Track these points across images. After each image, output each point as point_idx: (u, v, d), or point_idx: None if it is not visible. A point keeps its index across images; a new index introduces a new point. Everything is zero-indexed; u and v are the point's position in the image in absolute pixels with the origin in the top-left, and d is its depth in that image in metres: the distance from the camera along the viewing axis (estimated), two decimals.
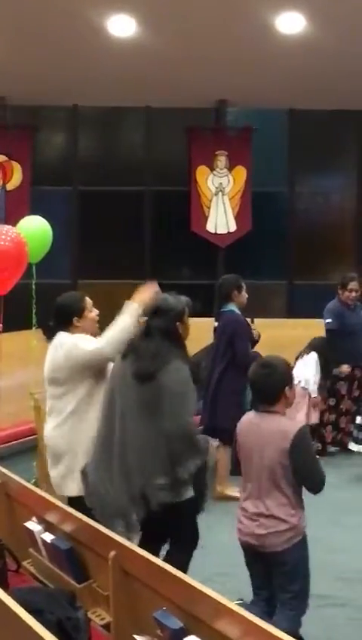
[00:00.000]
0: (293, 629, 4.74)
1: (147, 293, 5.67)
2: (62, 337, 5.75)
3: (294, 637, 4.41)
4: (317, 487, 4.77)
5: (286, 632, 4.37)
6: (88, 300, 5.95)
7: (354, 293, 10.47)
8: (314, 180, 15.91)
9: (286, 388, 4.83)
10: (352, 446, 9.57)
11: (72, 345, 5.66)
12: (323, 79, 13.56)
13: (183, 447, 4.89)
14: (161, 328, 5.17)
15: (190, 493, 4.95)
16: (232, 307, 8.57)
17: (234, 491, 8.08)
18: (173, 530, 5.13)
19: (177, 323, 5.15)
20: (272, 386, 4.82)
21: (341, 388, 10.41)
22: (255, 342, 8.81)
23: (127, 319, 5.58)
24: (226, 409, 8.10)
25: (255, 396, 4.98)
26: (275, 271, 15.33)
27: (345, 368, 10.26)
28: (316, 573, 5.03)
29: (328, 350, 10.06)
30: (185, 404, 4.96)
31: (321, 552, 5.25)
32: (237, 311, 8.59)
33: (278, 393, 4.81)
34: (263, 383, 4.85)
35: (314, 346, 10.09)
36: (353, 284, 10.52)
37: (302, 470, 4.71)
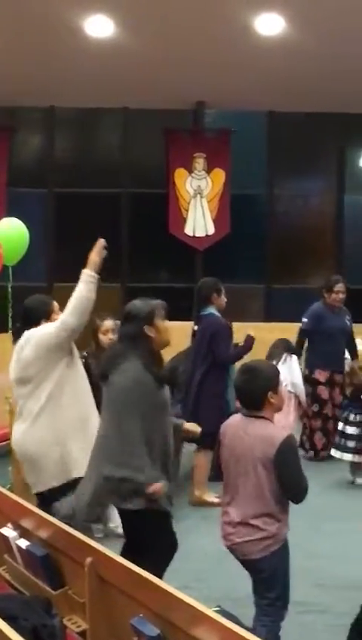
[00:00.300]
0: (271, 637, 4.76)
1: (95, 253, 5.82)
2: (27, 334, 5.83)
3: None
4: (299, 496, 4.74)
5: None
6: (55, 304, 6.04)
7: (340, 295, 10.50)
8: (293, 183, 15.96)
9: (270, 393, 4.79)
10: (334, 452, 9.59)
11: (38, 333, 5.78)
12: (303, 81, 13.60)
13: (116, 448, 4.88)
14: (128, 333, 5.19)
15: (141, 503, 4.94)
16: (212, 310, 8.57)
17: (211, 497, 8.08)
18: (137, 540, 5.15)
19: (145, 326, 5.12)
20: (255, 391, 4.78)
21: (321, 392, 10.42)
22: (249, 345, 8.79)
23: (82, 286, 5.71)
24: (208, 413, 8.08)
25: (240, 401, 4.96)
26: (253, 274, 15.36)
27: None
28: (295, 579, 5.03)
29: (294, 350, 10.10)
30: (128, 405, 4.91)
31: (300, 558, 5.25)
32: (217, 314, 8.60)
33: (262, 398, 4.77)
34: (246, 387, 4.82)
35: (289, 348, 10.11)
36: (339, 287, 10.54)
37: (287, 478, 4.69)
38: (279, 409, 4.91)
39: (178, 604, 3.06)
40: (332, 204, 15.85)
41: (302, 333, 10.48)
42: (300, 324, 10.50)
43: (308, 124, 15.59)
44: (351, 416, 9.41)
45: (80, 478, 5.40)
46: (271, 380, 4.85)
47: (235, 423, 4.91)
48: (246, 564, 4.79)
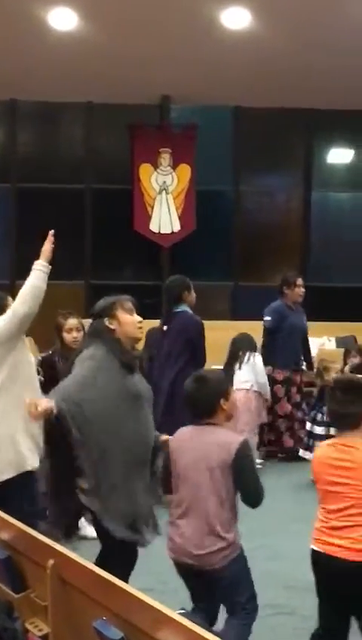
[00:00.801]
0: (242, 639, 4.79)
1: (46, 243, 6.19)
2: None
3: None
4: (258, 500, 4.79)
5: None
6: (10, 299, 6.09)
7: (302, 289, 10.59)
8: (259, 179, 15.98)
9: (222, 400, 4.85)
10: (303, 453, 9.65)
11: None
12: (270, 76, 13.62)
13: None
14: (92, 329, 5.27)
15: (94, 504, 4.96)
16: (185, 307, 8.57)
17: None
18: (105, 543, 5.16)
19: (106, 319, 5.13)
20: (206, 400, 4.84)
21: (277, 391, 10.46)
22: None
23: (33, 275, 5.99)
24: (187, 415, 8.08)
25: (191, 410, 4.99)
26: (220, 272, 15.38)
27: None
28: (262, 582, 5.05)
29: (256, 348, 10.14)
30: (75, 384, 4.91)
31: (267, 561, 5.27)
32: (190, 311, 8.60)
33: (213, 406, 4.83)
34: (197, 396, 4.87)
35: (252, 346, 10.13)
36: (300, 281, 10.64)
37: (245, 483, 4.73)
38: (230, 417, 4.97)
39: (141, 606, 3.04)
40: (300, 201, 15.89)
41: (268, 332, 10.50)
42: (263, 323, 10.51)
43: (275, 119, 15.60)
44: (319, 416, 9.48)
45: (32, 472, 5.45)
46: (222, 386, 4.94)
47: (186, 434, 4.95)
48: (206, 574, 4.77)
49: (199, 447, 4.77)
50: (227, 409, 4.89)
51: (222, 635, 4.65)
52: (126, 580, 4.83)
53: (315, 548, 4.54)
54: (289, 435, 10.54)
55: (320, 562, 4.51)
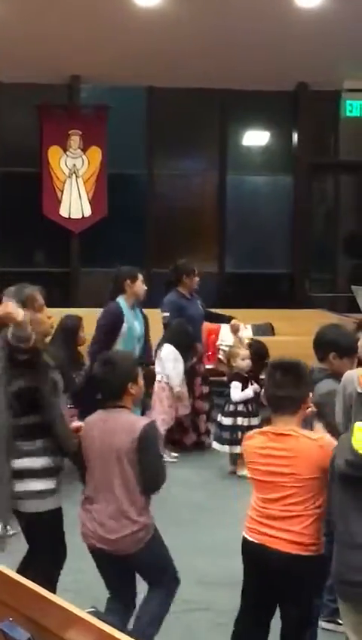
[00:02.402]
0: (162, 613, 4.91)
1: None
2: None
3: None
4: (158, 484, 4.87)
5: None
6: None
7: (198, 277, 10.60)
8: (173, 162, 16.02)
9: (130, 383, 4.93)
10: (216, 445, 9.72)
11: None
12: (183, 56, 13.62)
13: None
14: None
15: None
16: (121, 299, 8.76)
17: None
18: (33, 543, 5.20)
19: None
20: (115, 382, 4.93)
21: None
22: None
23: None
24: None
25: (101, 393, 5.03)
26: (132, 258, 15.28)
27: None
28: None
29: (179, 336, 10.17)
30: None
31: (181, 556, 5.29)
32: (124, 303, 8.75)
33: (122, 389, 4.92)
34: (106, 379, 4.95)
35: (167, 338, 10.18)
36: (196, 270, 10.64)
37: (147, 465, 4.79)
38: (137, 401, 5.09)
39: (49, 606, 3.04)
40: (215, 184, 15.95)
41: (166, 328, 10.49)
42: (161, 319, 10.46)
43: (189, 100, 15.63)
44: (226, 407, 9.59)
45: None
46: (131, 370, 5.02)
47: (96, 418, 5.02)
48: (122, 559, 4.83)
49: (106, 431, 4.85)
50: (135, 393, 4.98)
51: (143, 604, 4.91)
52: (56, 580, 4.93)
53: (249, 537, 4.54)
54: (193, 429, 10.52)
55: (254, 552, 4.51)
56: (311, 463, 4.36)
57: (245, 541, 4.57)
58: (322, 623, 5.38)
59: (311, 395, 4.75)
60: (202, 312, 10.66)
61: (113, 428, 4.83)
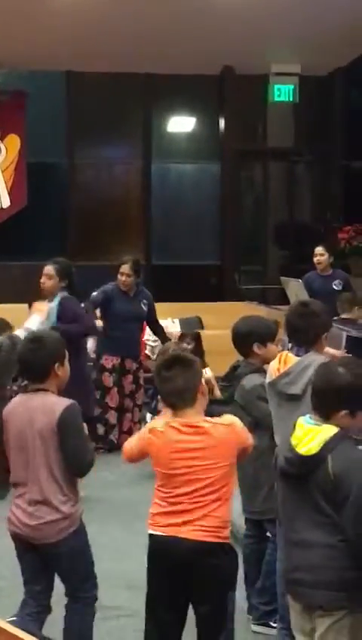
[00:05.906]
0: (86, 626, 4.90)
1: None
2: None
3: None
4: (83, 469, 4.87)
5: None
6: None
7: (124, 277, 10.54)
8: (95, 150, 16.01)
9: (57, 364, 4.86)
10: None
11: None
12: (104, 38, 13.55)
13: None
14: None
15: None
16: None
17: None
18: None
19: None
20: (40, 362, 4.86)
21: (105, 380, 10.33)
22: None
23: None
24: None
25: (24, 373, 5.02)
26: (53, 250, 15.24)
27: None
28: (103, 582, 5.12)
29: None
30: None
31: (108, 560, 5.33)
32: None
33: (47, 369, 4.86)
34: (31, 358, 4.89)
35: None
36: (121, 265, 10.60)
37: (69, 447, 4.76)
38: (64, 382, 4.98)
39: None
40: (139, 173, 15.97)
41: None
42: None
43: (110, 85, 15.63)
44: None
45: None
46: (58, 350, 4.94)
47: (17, 402, 4.99)
48: (41, 549, 4.83)
49: (26, 415, 4.82)
50: (61, 375, 4.92)
51: (66, 622, 4.88)
52: None
53: (155, 532, 4.54)
54: (118, 429, 10.42)
55: (162, 546, 4.51)
56: (230, 447, 4.46)
57: (151, 537, 4.57)
58: (252, 626, 5.45)
59: (204, 372, 4.84)
60: (139, 312, 10.59)
61: (32, 411, 4.80)
